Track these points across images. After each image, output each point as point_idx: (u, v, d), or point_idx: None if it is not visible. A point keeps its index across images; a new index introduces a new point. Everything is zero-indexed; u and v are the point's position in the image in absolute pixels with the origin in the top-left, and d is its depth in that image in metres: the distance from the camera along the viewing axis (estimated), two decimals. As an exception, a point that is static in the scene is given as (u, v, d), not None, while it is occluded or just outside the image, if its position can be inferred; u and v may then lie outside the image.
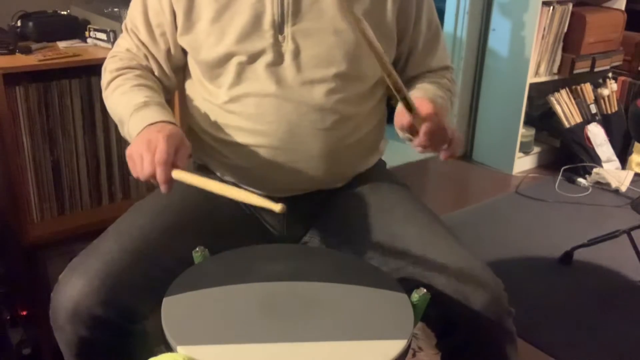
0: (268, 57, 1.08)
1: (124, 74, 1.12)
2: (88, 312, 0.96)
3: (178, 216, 1.10)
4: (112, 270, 0.98)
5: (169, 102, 1.64)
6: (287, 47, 1.07)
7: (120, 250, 1.00)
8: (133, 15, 1.16)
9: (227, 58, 1.09)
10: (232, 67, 1.09)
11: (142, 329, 1.04)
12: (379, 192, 1.19)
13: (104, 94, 1.15)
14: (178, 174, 0.95)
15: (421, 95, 1.13)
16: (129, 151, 0.99)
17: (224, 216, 1.16)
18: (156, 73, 1.17)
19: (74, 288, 0.97)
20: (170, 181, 0.95)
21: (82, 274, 0.98)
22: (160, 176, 0.94)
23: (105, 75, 1.15)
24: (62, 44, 1.55)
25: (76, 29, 1.60)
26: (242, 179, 1.17)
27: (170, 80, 1.19)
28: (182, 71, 1.21)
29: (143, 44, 1.15)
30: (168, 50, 1.15)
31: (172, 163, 0.95)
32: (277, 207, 0.86)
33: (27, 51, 1.46)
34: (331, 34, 1.08)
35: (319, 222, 1.22)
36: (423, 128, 0.98)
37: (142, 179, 0.97)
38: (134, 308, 1.00)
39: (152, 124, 1.01)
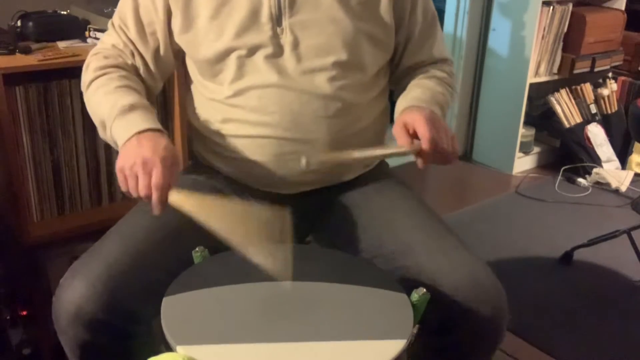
0: (267, 50, 1.08)
1: (108, 73, 1.11)
2: (90, 316, 0.96)
3: (180, 217, 1.09)
4: (114, 273, 0.97)
5: (167, 102, 1.65)
6: (286, 39, 1.08)
7: (122, 253, 1.00)
8: (122, 12, 1.15)
9: (226, 53, 1.09)
10: (232, 62, 1.09)
11: (146, 331, 1.03)
12: (382, 193, 1.19)
13: (85, 94, 1.13)
14: (174, 199, 0.95)
15: (419, 95, 1.13)
16: (119, 164, 0.97)
17: None
18: (141, 72, 1.16)
19: (75, 292, 0.96)
20: (165, 203, 0.95)
21: (84, 277, 0.97)
22: (156, 200, 0.94)
23: (88, 73, 1.13)
24: (62, 44, 1.55)
25: (76, 29, 1.60)
26: (248, 175, 1.16)
27: (155, 81, 1.18)
28: (169, 75, 1.21)
29: (131, 41, 1.14)
30: (157, 50, 1.15)
31: (168, 185, 0.95)
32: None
33: (27, 51, 1.46)
34: (329, 24, 1.08)
35: (321, 222, 1.22)
36: (421, 158, 1.01)
37: (134, 196, 0.97)
38: (136, 311, 0.99)
39: (140, 132, 0.99)
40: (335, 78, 1.10)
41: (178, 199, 0.96)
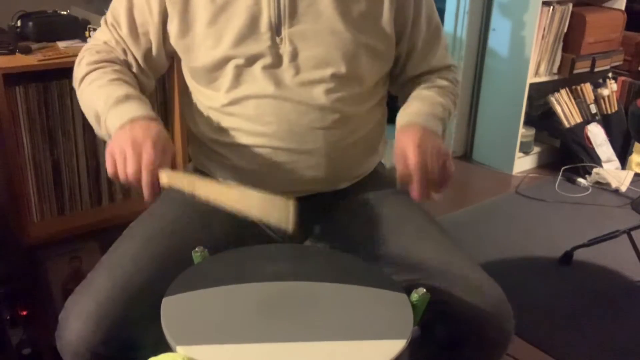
0: (266, 59, 1.07)
1: (101, 67, 1.10)
2: (90, 352, 0.95)
3: (170, 240, 1.06)
4: (105, 311, 0.95)
5: (167, 107, 1.65)
6: (285, 49, 1.07)
7: (112, 288, 0.97)
8: (116, 10, 1.13)
9: (224, 61, 1.08)
10: (229, 71, 1.08)
11: (151, 351, 1.02)
12: (383, 201, 1.18)
13: (78, 89, 1.12)
14: (165, 179, 0.93)
15: (417, 109, 1.12)
16: (109, 148, 0.96)
17: (220, 232, 1.12)
18: (134, 69, 1.15)
19: (72, 332, 0.95)
20: (155, 187, 0.93)
21: (77, 316, 0.96)
22: (146, 180, 0.93)
23: (81, 68, 1.12)
24: (62, 44, 1.55)
25: (76, 29, 1.60)
26: (243, 181, 1.16)
27: (147, 79, 1.17)
28: (161, 74, 1.20)
29: (123, 39, 1.13)
30: (148, 50, 1.13)
31: (158, 167, 0.93)
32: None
33: (27, 51, 1.46)
34: (328, 35, 1.07)
35: (320, 229, 1.21)
36: (413, 190, 1.00)
37: (122, 180, 0.95)
38: (135, 339, 0.97)
39: (134, 119, 0.99)
40: (333, 90, 1.09)
41: (170, 179, 0.93)
